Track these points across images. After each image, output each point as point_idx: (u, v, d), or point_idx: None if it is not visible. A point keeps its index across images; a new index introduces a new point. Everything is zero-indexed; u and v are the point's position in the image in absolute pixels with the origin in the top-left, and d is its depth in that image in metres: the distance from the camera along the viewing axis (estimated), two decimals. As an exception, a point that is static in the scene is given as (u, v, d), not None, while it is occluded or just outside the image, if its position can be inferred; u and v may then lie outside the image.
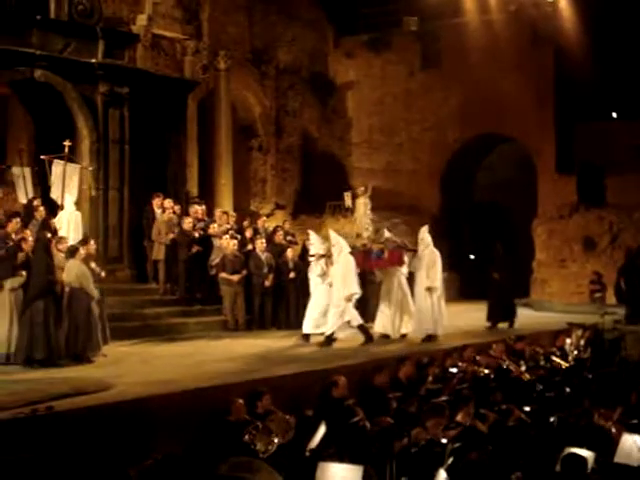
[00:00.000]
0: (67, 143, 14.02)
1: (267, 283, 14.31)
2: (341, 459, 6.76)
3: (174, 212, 14.71)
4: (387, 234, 13.84)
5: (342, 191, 21.01)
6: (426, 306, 12.90)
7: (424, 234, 13.29)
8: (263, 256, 14.48)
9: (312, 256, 12.99)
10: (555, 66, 19.83)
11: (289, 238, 15.07)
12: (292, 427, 7.98)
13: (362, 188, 14.10)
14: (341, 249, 12.50)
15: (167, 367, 10.32)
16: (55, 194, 14.17)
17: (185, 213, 15.07)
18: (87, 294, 10.83)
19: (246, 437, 7.55)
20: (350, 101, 22.55)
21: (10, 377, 9.46)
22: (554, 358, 12.39)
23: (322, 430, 7.77)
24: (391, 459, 6.67)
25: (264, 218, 16.78)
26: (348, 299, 12.31)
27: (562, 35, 19.45)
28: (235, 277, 14.19)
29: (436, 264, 13.04)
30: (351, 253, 12.63)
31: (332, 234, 12.91)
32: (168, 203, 14.69)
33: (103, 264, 12.61)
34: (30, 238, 10.92)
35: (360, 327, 12.55)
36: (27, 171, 14.87)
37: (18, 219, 12.07)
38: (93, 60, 14.76)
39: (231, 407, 7.89)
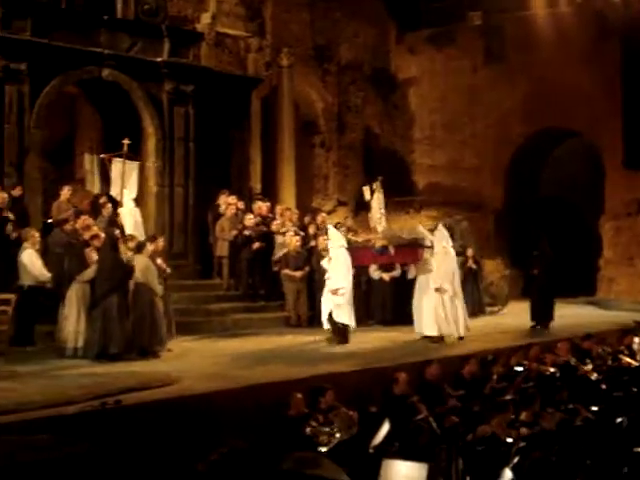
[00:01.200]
0: (126, 141, 14.38)
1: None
2: (405, 456, 6.74)
3: (238, 209, 14.84)
4: (421, 229, 13.52)
5: (404, 188, 20.96)
6: (429, 306, 12.52)
7: (439, 231, 12.91)
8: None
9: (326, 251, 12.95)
10: (623, 58, 19.41)
11: (351, 234, 15.04)
12: (355, 423, 7.98)
13: (377, 183, 13.90)
14: (334, 244, 12.45)
15: (231, 362, 10.44)
16: (115, 191, 14.47)
17: (249, 210, 15.19)
18: (151, 289, 11.01)
19: (307, 430, 7.56)
20: (412, 97, 22.39)
21: (78, 371, 9.68)
22: (622, 357, 12.16)
23: (386, 427, 7.76)
24: (456, 457, 6.63)
25: (323, 214, 16.78)
26: (334, 292, 12.29)
27: (630, 26, 19.02)
28: (298, 274, 14.28)
29: (444, 264, 12.57)
30: (349, 249, 12.54)
31: (330, 229, 12.88)
32: (232, 200, 14.83)
33: (168, 260, 12.76)
34: (102, 235, 11.15)
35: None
36: (96, 167, 15.18)
37: (87, 216, 12.32)
38: (159, 59, 14.98)
39: (290, 401, 7.93)
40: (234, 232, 14.45)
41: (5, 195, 12.33)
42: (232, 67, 18.33)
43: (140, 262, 10.97)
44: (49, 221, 13.54)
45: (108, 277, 10.57)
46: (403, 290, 14.67)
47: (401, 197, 20.06)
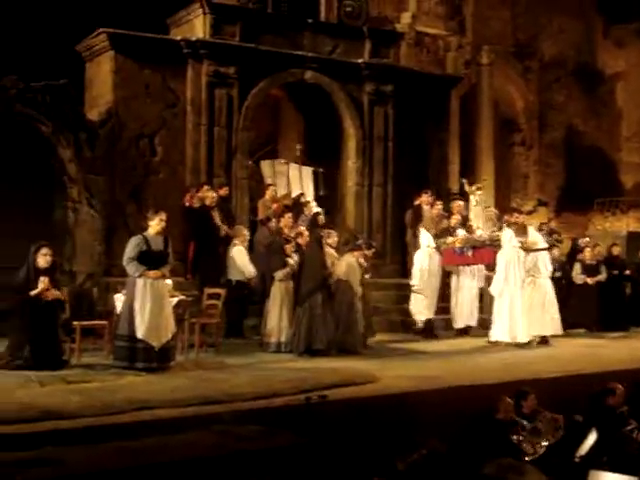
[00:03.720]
0: (299, 147, 15.19)
1: (530, 282, 13.98)
2: (614, 469, 6.48)
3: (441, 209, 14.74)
4: (502, 232, 12.91)
5: (609, 187, 20.11)
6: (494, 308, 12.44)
7: (503, 231, 12.66)
8: (525, 254, 14.16)
9: None
10: None
11: (555, 236, 14.60)
12: (561, 426, 7.76)
13: (476, 185, 13.67)
14: (422, 245, 13.23)
15: (429, 363, 10.41)
16: (294, 194, 14.91)
17: (446, 210, 15.05)
18: (352, 288, 11.19)
19: (513, 437, 7.42)
20: (620, 93, 21.39)
21: (282, 365, 9.95)
22: None
23: (593, 437, 7.49)
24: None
25: (516, 215, 16.29)
26: (412, 290, 12.96)
27: None
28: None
29: (501, 265, 12.28)
30: (437, 249, 13.13)
31: (421, 231, 13.38)
32: (432, 199, 14.76)
33: (369, 260, 12.87)
34: (306, 233, 11.46)
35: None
36: (304, 168, 15.65)
37: (290, 214, 12.68)
38: (360, 60, 15.17)
39: (499, 405, 7.80)
40: (433, 231, 14.37)
41: (214, 194, 12.92)
42: (431, 66, 18.27)
43: (346, 260, 11.21)
44: (257, 219, 14.09)
45: (312, 275, 10.81)
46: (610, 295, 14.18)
47: (606, 197, 19.27)
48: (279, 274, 11.16)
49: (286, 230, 12.16)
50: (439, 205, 14.53)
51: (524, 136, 20.39)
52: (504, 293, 12.19)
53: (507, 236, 12.45)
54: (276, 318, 11.11)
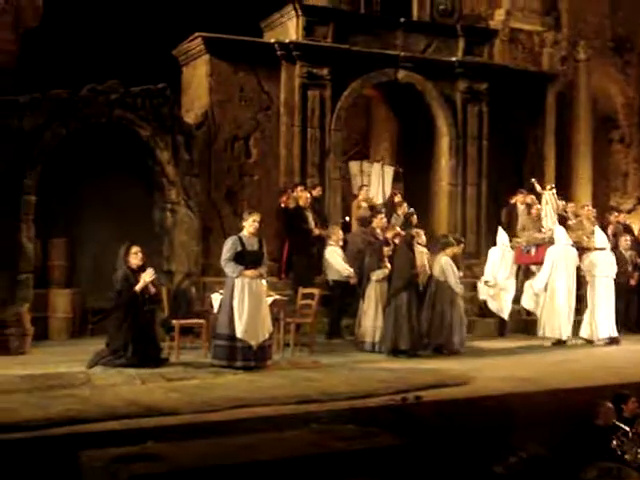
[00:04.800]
0: (385, 146, 15.44)
1: (632, 282, 13.64)
2: None
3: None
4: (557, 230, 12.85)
5: None
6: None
7: (556, 229, 12.70)
8: (627, 254, 13.83)
9: None
10: None
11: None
12: (663, 430, 7.56)
13: (549, 190, 13.49)
14: (498, 242, 13.22)
15: (526, 365, 10.26)
16: (372, 193, 14.95)
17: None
18: (450, 288, 11.14)
19: (614, 443, 7.26)
20: None
21: (377, 365, 9.96)
22: None
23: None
24: None
25: (615, 214, 15.94)
26: (485, 283, 13.01)
27: None
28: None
29: (547, 262, 12.33)
30: (512, 247, 13.20)
31: (499, 229, 13.40)
32: (530, 199, 14.54)
33: (461, 258, 12.81)
34: (403, 233, 11.45)
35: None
36: (386, 168, 15.67)
37: (383, 215, 12.69)
38: (453, 58, 15.06)
39: (599, 410, 7.64)
40: (527, 232, 14.16)
41: (308, 195, 13.04)
42: (526, 63, 17.98)
43: (440, 260, 11.17)
44: (347, 219, 14.18)
45: (400, 275, 10.80)
46: None
47: None
48: (378, 274, 11.16)
49: (378, 230, 12.18)
50: (537, 205, 14.29)
51: (623, 133, 19.84)
52: (549, 290, 12.29)
53: (557, 234, 12.56)
54: (371, 318, 11.12)
